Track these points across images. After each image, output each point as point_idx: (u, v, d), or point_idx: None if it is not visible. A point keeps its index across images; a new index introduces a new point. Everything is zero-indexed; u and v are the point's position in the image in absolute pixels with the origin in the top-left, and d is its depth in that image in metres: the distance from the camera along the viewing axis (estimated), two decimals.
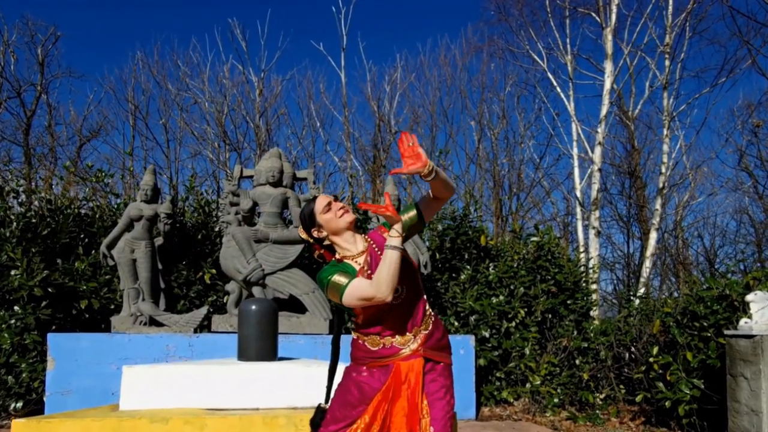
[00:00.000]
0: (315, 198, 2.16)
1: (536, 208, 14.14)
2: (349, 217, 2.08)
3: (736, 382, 4.00)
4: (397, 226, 1.91)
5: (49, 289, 5.14)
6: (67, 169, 7.57)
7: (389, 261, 1.85)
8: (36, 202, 6.43)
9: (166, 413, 2.79)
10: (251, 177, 5.71)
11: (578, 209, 11.12)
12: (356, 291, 1.89)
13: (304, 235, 2.18)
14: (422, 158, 1.85)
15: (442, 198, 2.08)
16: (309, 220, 2.14)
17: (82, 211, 6.32)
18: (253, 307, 3.35)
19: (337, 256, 2.12)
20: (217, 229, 6.23)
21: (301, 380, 3.02)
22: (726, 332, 4.18)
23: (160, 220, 5.36)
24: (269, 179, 5.41)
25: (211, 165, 13.38)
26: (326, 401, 2.27)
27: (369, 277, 1.96)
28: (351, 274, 1.97)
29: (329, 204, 2.08)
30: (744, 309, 4.56)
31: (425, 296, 2.16)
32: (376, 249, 2.10)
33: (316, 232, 2.13)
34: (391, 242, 1.88)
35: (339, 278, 1.94)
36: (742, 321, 4.12)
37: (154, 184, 5.47)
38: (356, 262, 2.04)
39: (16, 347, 4.86)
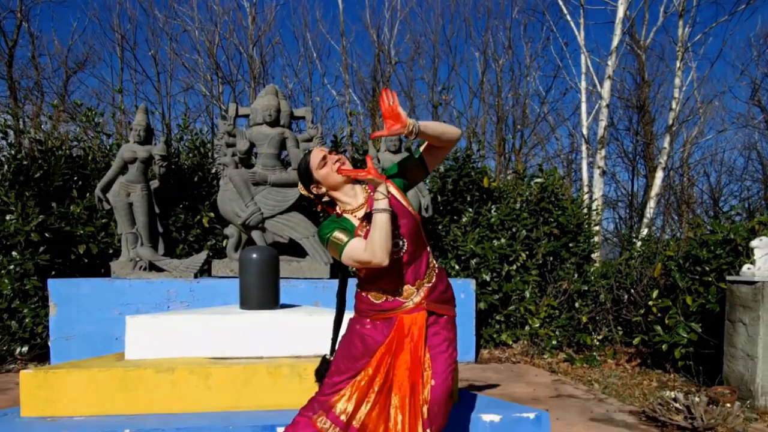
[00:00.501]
0: (310, 152, 2.08)
1: (540, 145, 13.89)
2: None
3: (734, 327, 4.04)
4: (382, 188, 1.85)
5: (46, 234, 5.07)
6: (55, 107, 7.28)
7: (379, 225, 1.81)
8: (26, 142, 6.24)
9: (171, 363, 2.80)
10: (247, 116, 5.49)
11: (584, 147, 10.90)
12: (353, 253, 1.87)
13: (304, 192, 2.13)
14: (402, 118, 1.80)
15: (442, 147, 2.01)
16: (306, 177, 2.08)
17: (74, 153, 6.14)
18: (254, 255, 3.30)
19: (338, 210, 2.08)
20: (213, 170, 6.08)
21: (303, 329, 3.01)
22: (728, 278, 4.17)
23: (155, 163, 5.21)
24: (266, 118, 5.21)
25: (204, 100, 12.96)
26: (331, 353, 2.28)
27: (368, 233, 1.91)
28: (350, 230, 1.94)
29: (324, 158, 2.01)
30: (748, 254, 4.53)
31: (429, 248, 2.13)
32: None
33: (315, 189, 2.09)
34: (378, 205, 1.83)
35: (338, 235, 1.91)
36: (745, 267, 4.10)
37: (147, 124, 5.27)
38: (356, 216, 2.00)
39: (17, 293, 4.86)
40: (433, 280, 2.13)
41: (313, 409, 2.18)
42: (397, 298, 2.08)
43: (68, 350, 4.43)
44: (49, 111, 7.97)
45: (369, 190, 2.08)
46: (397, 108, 1.81)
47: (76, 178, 5.80)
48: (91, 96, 12.60)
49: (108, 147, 6.33)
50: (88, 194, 5.67)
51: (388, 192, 1.90)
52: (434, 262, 2.16)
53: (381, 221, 1.82)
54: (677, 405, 3.27)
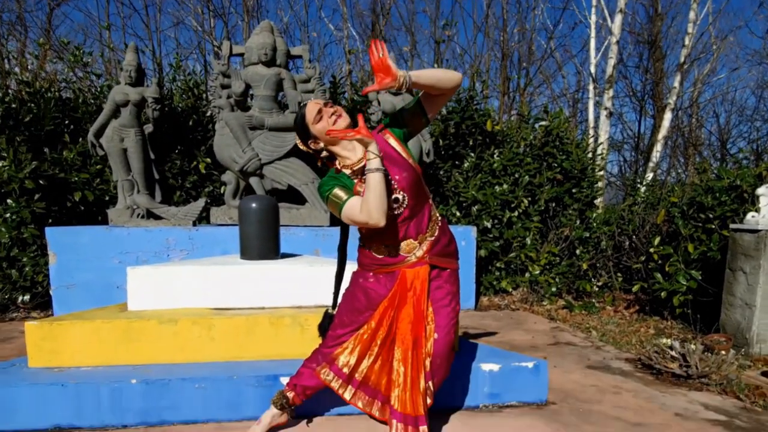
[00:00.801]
0: (305, 105, 2.00)
1: (546, 83, 13.45)
2: (343, 122, 1.95)
3: (734, 276, 4.04)
4: (372, 147, 1.81)
5: (41, 181, 4.97)
6: (41, 45, 6.94)
7: (373, 186, 1.78)
8: (13, 84, 6.00)
9: (173, 314, 2.81)
10: (241, 55, 5.25)
11: (591, 86, 10.58)
12: (351, 213, 1.85)
13: (303, 147, 2.06)
14: (392, 71, 1.75)
15: (441, 94, 1.93)
16: (303, 132, 2.02)
17: (64, 95, 5.92)
18: (254, 205, 3.25)
19: (338, 165, 2.02)
20: (208, 114, 5.89)
21: (305, 279, 3.00)
22: (731, 225, 4.13)
23: (148, 105, 5.02)
24: (261, 57, 4.98)
25: (196, 35, 12.42)
26: (333, 307, 2.29)
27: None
28: (349, 187, 1.91)
29: (320, 111, 1.94)
30: (753, 201, 4.48)
31: (431, 201, 2.10)
32: None
33: (313, 144, 2.03)
34: (370, 165, 1.79)
35: (338, 193, 1.89)
36: (749, 215, 4.05)
37: (138, 64, 5.03)
38: (354, 170, 1.95)
39: (15, 241, 4.82)
40: (436, 234, 2.12)
41: (316, 361, 2.21)
42: (399, 252, 2.07)
43: (70, 299, 4.46)
44: (35, 49, 7.61)
45: None
46: (387, 60, 1.73)
47: (67, 121, 5.62)
48: (77, 31, 12.07)
49: (98, 88, 6.10)
50: (80, 139, 5.51)
51: (380, 151, 1.85)
52: (437, 214, 2.14)
53: (374, 182, 1.78)
54: (673, 353, 3.32)
